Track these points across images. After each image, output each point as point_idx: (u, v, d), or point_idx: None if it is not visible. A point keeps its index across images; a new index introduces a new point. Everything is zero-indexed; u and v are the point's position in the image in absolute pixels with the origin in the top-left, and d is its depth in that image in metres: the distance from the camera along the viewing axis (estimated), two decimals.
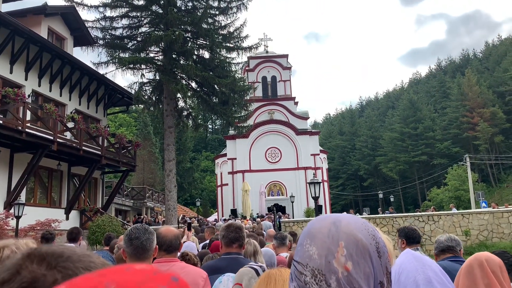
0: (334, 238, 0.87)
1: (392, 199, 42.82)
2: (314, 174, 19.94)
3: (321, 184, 20.47)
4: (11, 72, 16.58)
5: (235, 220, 12.14)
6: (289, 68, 41.35)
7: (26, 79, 17.33)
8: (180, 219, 22.78)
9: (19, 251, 1.56)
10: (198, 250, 6.72)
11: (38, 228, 14.11)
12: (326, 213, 20.54)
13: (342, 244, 0.86)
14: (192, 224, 21.72)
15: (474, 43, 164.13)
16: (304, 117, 39.87)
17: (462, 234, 19.26)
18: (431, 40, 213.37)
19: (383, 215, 22.95)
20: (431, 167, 65.30)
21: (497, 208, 22.63)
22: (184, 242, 6.72)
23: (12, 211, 13.77)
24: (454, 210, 22.69)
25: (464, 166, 43.19)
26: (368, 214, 28.47)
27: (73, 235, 5.80)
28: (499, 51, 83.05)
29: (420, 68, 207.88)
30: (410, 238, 3.89)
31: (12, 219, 13.44)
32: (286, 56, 41.73)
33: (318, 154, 38.96)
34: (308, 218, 23.93)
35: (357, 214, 35.38)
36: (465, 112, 67.03)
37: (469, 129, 65.35)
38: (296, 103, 40.96)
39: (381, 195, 41.21)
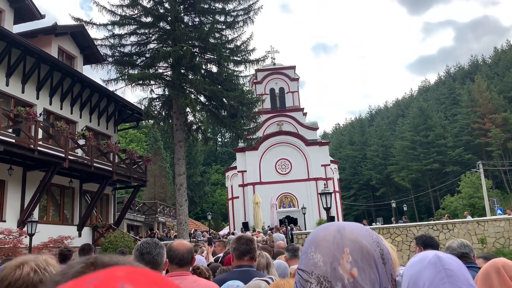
0: (339, 245, 0.86)
1: (405, 208, 42.40)
2: (325, 185, 19.82)
3: (333, 194, 20.33)
4: (23, 92, 16.85)
5: (245, 233, 12.07)
6: (297, 79, 41.44)
7: (37, 98, 17.60)
8: (192, 232, 22.74)
9: (39, 268, 1.55)
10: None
11: (51, 245, 14.18)
12: None
13: (347, 250, 0.86)
14: (204, 239, 21.66)
15: (482, 49, 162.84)
16: (313, 127, 39.81)
17: (478, 242, 18.91)
18: (439, 47, 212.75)
19: (397, 224, 22.66)
20: (443, 175, 64.55)
21: None
22: (204, 257, 6.71)
23: (25, 229, 13.88)
24: (469, 218, 22.33)
25: (477, 173, 42.63)
26: (381, 224, 28.14)
27: (85, 252, 5.81)
28: (508, 56, 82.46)
29: (429, 76, 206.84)
30: (428, 245, 3.87)
31: (25, 237, 13.53)
32: (293, 67, 41.88)
33: (329, 165, 38.77)
34: None
35: (372, 224, 35.02)
36: (476, 119, 66.38)
37: (481, 136, 64.62)
38: (304, 114, 40.95)
39: (394, 205, 40.80)
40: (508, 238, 19.00)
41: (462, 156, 64.68)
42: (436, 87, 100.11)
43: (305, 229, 26.74)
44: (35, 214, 15.71)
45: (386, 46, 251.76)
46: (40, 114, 17.01)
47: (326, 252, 0.86)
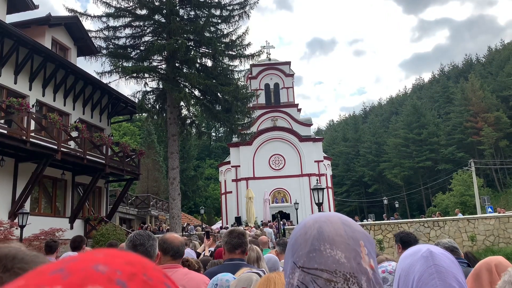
0: (354, 239, 0.85)
1: (397, 205, 42.60)
2: (318, 181, 19.90)
3: (325, 190, 20.41)
4: (15, 83, 16.70)
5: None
6: (292, 75, 41.44)
7: (30, 89, 17.45)
8: (185, 226, 22.74)
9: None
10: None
11: (43, 237, 14.12)
12: None
13: (362, 243, 0.85)
14: (197, 233, 21.68)
15: (478, 48, 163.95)
16: (307, 123, 39.88)
17: (468, 239, 19.12)
18: (435, 45, 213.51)
19: (388, 221, 22.82)
20: (436, 173, 65.02)
21: (503, 213, 22.47)
22: (203, 251, 6.72)
23: (16, 220, 13.81)
24: (460, 215, 22.56)
25: (469, 171, 42.97)
26: (373, 220, 28.31)
27: (76, 244, 5.80)
28: (502, 55, 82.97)
29: (424, 74, 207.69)
30: (405, 242, 3.92)
31: (16, 228, 13.46)
32: (288, 63, 41.85)
33: (322, 161, 38.89)
34: None
35: (364, 220, 35.22)
36: (469, 117, 66.85)
37: (473, 134, 65.11)
38: (299, 110, 41.00)
39: (386, 201, 41.04)
40: (497, 236, 19.22)
41: (455, 154, 65.16)
42: (430, 85, 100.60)
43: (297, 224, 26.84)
44: (27, 206, 15.62)
45: (382, 43, 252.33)
46: (33, 106, 16.88)
47: (345, 248, 0.83)
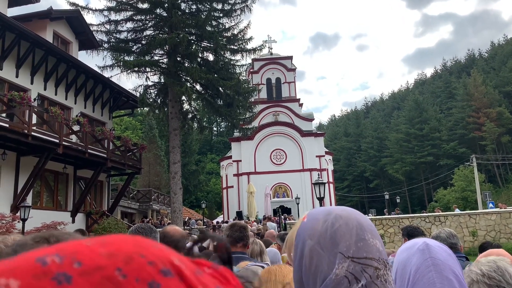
0: (376, 231, 0.93)
1: (398, 200, 42.72)
2: (319, 175, 19.90)
3: (327, 185, 20.41)
4: (17, 76, 16.69)
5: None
6: (294, 70, 41.33)
7: (32, 83, 17.44)
8: (186, 220, 22.79)
9: (7, 246, 1.57)
10: None
11: (44, 231, 14.14)
12: None
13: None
14: (199, 227, 21.74)
15: (481, 43, 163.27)
16: (309, 118, 39.83)
17: (469, 234, 19.13)
18: (438, 40, 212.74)
19: (389, 216, 22.84)
20: (437, 168, 64.96)
21: (505, 208, 22.45)
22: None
23: (18, 214, 13.86)
24: (457, 211, 22.59)
25: (471, 167, 42.93)
26: (374, 215, 28.33)
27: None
28: (505, 50, 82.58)
29: (427, 69, 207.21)
30: (412, 236, 3.94)
31: (18, 222, 13.52)
32: (290, 57, 41.73)
33: (324, 156, 38.88)
34: None
35: (365, 215, 35.27)
36: (471, 113, 66.65)
37: (475, 130, 64.96)
38: (301, 105, 40.92)
39: (387, 196, 41.10)
40: (499, 231, 19.22)
41: (456, 149, 65.06)
42: (432, 80, 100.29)
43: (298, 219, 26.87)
44: (29, 200, 15.67)
45: (385, 38, 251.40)
46: (34, 99, 16.88)
47: (378, 238, 0.90)
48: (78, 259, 0.39)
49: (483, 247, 4.34)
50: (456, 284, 1.31)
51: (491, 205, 26.73)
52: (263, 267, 2.68)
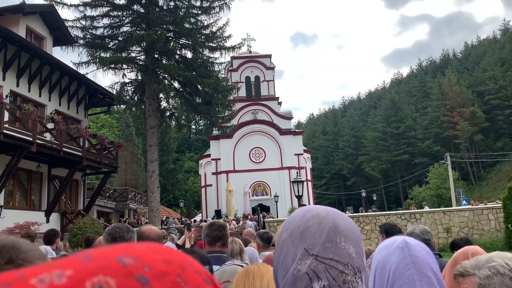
0: (359, 238, 0.90)
1: (375, 198, 43.31)
2: (297, 173, 19.99)
3: (305, 183, 20.54)
4: None
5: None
6: (273, 68, 41.42)
7: (3, 79, 16.95)
8: (164, 219, 22.57)
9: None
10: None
11: (17, 231, 13.80)
12: None
13: (362, 243, 0.91)
14: (176, 226, 21.55)
15: (456, 43, 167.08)
16: (287, 117, 40.00)
17: (443, 231, 19.56)
18: (415, 41, 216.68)
19: (366, 213, 23.15)
20: (413, 166, 66.23)
21: (477, 205, 23.06)
22: (183, 243, 6.59)
23: None
24: (426, 208, 23.11)
25: (445, 165, 43.90)
26: (351, 213, 28.67)
27: (49, 237, 5.66)
28: (478, 51, 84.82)
29: (403, 69, 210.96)
30: (390, 233, 3.99)
31: None
32: (269, 56, 41.80)
33: (302, 154, 39.12)
34: None
35: (346, 212, 35.65)
36: (445, 112, 68.17)
37: (449, 128, 66.47)
38: (279, 103, 41.07)
39: (364, 194, 41.67)
40: (472, 227, 19.72)
41: (431, 148, 66.48)
42: (408, 80, 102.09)
43: (277, 217, 26.98)
44: (1, 199, 15.26)
45: (363, 38, 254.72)
46: (7, 96, 16.40)
47: (355, 244, 0.88)
48: (145, 263, 0.41)
49: (455, 244, 4.42)
50: (435, 281, 1.32)
51: (464, 202, 27.41)
52: (242, 266, 2.65)
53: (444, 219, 19.93)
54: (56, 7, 20.18)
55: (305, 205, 32.85)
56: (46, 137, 17.63)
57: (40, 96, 19.08)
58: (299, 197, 14.46)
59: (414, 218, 20.05)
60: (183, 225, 17.48)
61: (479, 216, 19.88)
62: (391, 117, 72.15)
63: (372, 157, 70.21)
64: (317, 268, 0.82)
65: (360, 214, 22.57)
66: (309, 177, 39.76)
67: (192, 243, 6.79)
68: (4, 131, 14.39)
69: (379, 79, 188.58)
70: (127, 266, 0.40)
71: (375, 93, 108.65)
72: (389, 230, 4.10)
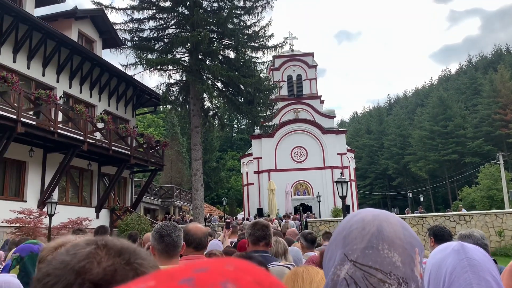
0: (411, 245, 0.83)
1: (422, 199, 41.95)
2: (341, 173, 19.72)
3: (349, 183, 20.23)
4: (43, 75, 17.09)
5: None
6: (315, 67, 41.02)
7: (57, 81, 17.84)
8: (207, 217, 22.95)
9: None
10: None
11: (70, 226, 14.50)
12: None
13: (417, 250, 0.84)
14: (219, 223, 21.85)
15: (509, 38, 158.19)
16: (330, 115, 39.51)
17: (495, 234, 18.67)
18: (465, 36, 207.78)
19: (412, 215, 22.49)
20: (462, 166, 63.57)
21: None
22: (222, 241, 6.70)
23: (45, 209, 14.21)
24: (464, 211, 22.01)
25: (497, 165, 41.85)
26: (396, 214, 27.92)
27: (99, 234, 5.89)
28: None
29: (452, 65, 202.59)
30: (438, 236, 3.88)
31: (45, 217, 13.86)
32: (311, 54, 41.43)
33: (345, 153, 38.52)
34: (336, 218, 23.66)
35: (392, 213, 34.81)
36: (497, 109, 64.93)
37: (502, 127, 63.25)
38: (322, 102, 40.62)
39: (410, 195, 40.49)
40: None
41: (482, 147, 63.52)
42: (457, 76, 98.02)
43: (320, 217, 26.74)
44: (55, 195, 16.06)
45: (410, 34, 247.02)
46: (60, 97, 17.26)
47: (402, 252, 0.81)
48: (244, 287, 0.43)
49: None
50: (494, 285, 1.28)
51: None
52: (288, 268, 2.67)
53: (497, 221, 19.00)
54: (105, 11, 20.98)
55: (349, 205, 32.35)
56: (96, 136, 18.40)
57: (90, 97, 19.92)
58: (343, 198, 14.26)
59: (463, 220, 19.26)
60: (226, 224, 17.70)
61: None
62: (439, 115, 69.55)
63: (419, 156, 68.00)
64: (355, 275, 0.79)
65: (406, 215, 21.95)
66: (352, 177, 39.10)
67: (231, 241, 6.87)
68: (58, 130, 15.15)
69: (426, 76, 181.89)
70: None
71: (422, 90, 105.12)
72: (437, 233, 3.97)
